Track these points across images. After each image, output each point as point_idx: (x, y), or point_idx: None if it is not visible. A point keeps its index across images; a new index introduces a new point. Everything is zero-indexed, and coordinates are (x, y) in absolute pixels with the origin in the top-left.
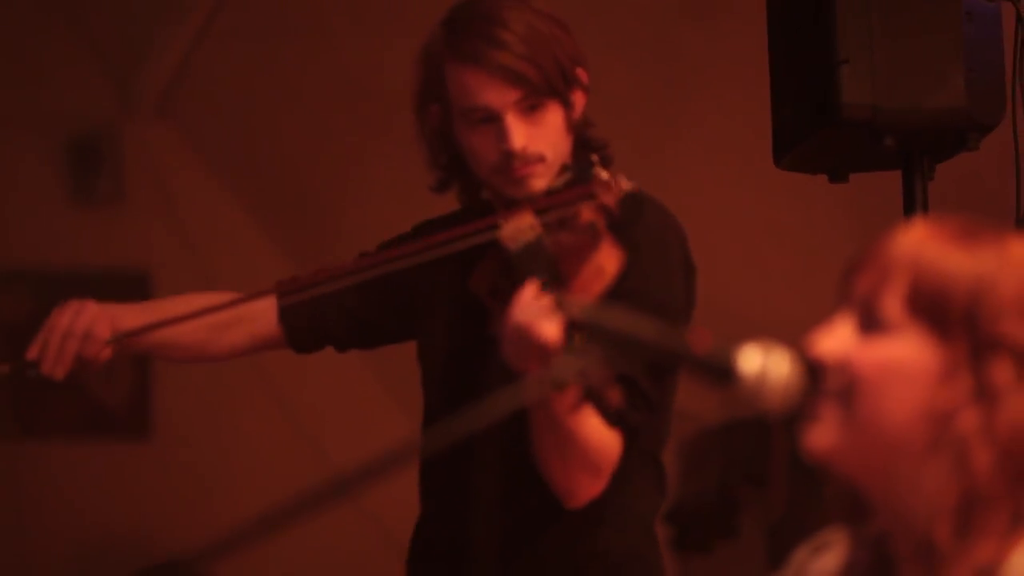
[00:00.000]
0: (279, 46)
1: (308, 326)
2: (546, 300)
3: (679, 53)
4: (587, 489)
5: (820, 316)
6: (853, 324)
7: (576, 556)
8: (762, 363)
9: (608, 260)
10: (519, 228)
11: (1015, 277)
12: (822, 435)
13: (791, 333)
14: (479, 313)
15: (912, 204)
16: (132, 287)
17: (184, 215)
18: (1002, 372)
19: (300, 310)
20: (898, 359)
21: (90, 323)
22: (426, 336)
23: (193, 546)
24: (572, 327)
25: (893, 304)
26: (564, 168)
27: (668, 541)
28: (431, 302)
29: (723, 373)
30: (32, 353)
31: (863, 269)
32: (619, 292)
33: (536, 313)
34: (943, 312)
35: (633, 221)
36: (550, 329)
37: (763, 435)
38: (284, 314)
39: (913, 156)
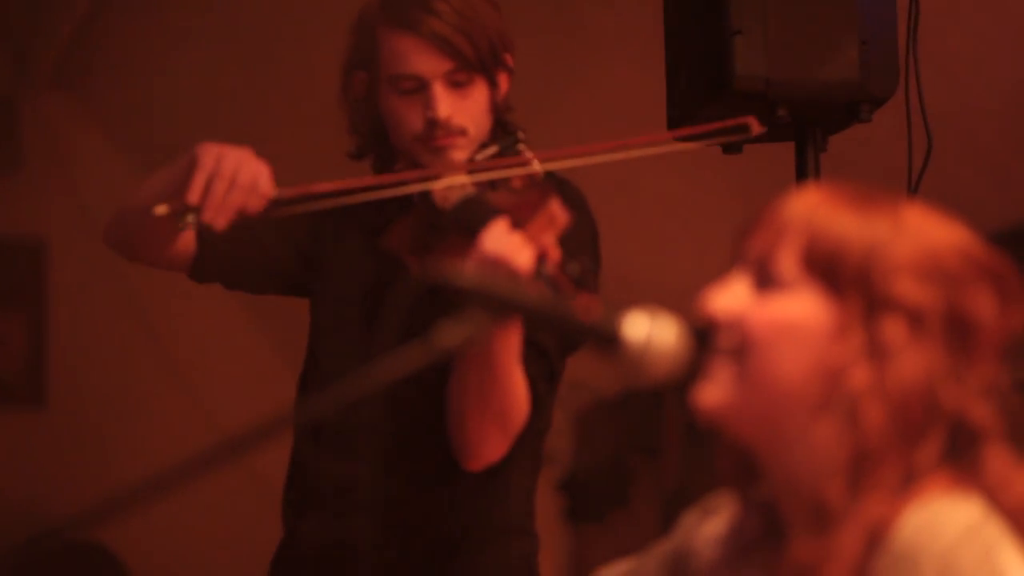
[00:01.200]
0: (175, 14)
1: (217, 254)
2: (517, 234)
3: (576, 23)
4: (494, 447)
5: (712, 283)
6: (746, 283)
7: (460, 524)
8: (648, 329)
9: (559, 210)
10: (453, 186)
11: (909, 240)
12: (713, 393)
13: (683, 301)
14: (390, 271)
15: (804, 175)
16: (28, 256)
17: (81, 183)
18: (894, 330)
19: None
20: (791, 316)
21: (256, 175)
22: (325, 291)
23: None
24: (458, 292)
25: (787, 263)
26: (484, 144)
27: (562, 511)
28: (337, 256)
29: (609, 339)
30: (193, 197)
31: (758, 229)
32: (568, 246)
33: (511, 244)
34: (837, 271)
35: (561, 190)
36: (525, 258)
37: (656, 406)
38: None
39: (806, 127)
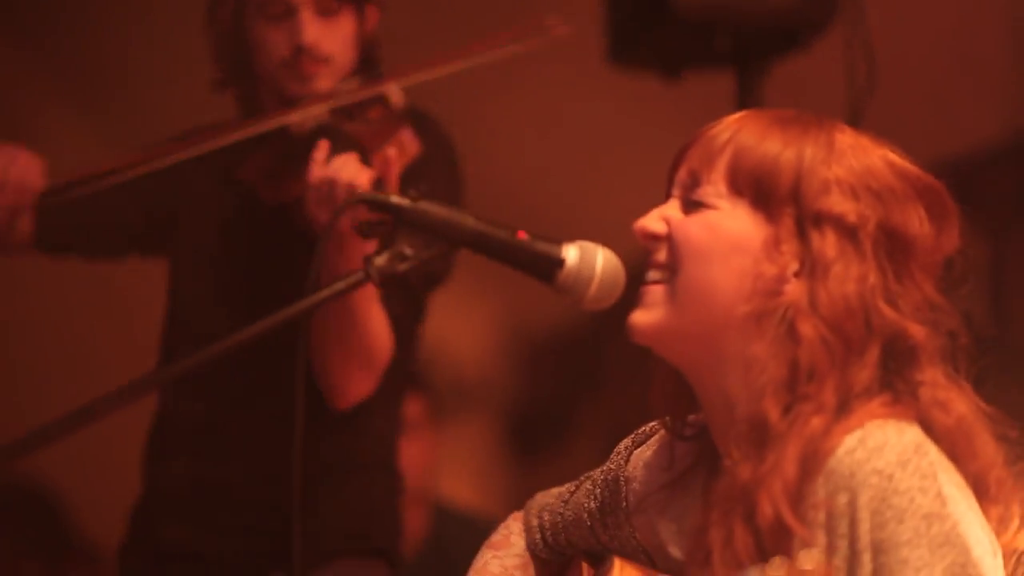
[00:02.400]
0: None
1: (60, 225)
2: (353, 156)
3: None
4: (360, 386)
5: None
6: (677, 205)
7: (322, 460)
8: (581, 256)
9: (409, 141)
10: (307, 116)
11: (840, 157)
12: (647, 316)
13: (621, 232)
14: (247, 203)
15: (746, 103)
16: None
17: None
18: (827, 245)
19: (59, 209)
20: (723, 232)
21: (23, 173)
22: (182, 239)
23: None
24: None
25: (716, 183)
26: (349, 76)
27: (506, 444)
28: (192, 200)
29: (546, 265)
30: None
31: (687, 154)
32: (415, 176)
33: (346, 168)
34: (767, 189)
35: (420, 124)
36: (358, 173)
37: (598, 341)
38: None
39: (747, 55)
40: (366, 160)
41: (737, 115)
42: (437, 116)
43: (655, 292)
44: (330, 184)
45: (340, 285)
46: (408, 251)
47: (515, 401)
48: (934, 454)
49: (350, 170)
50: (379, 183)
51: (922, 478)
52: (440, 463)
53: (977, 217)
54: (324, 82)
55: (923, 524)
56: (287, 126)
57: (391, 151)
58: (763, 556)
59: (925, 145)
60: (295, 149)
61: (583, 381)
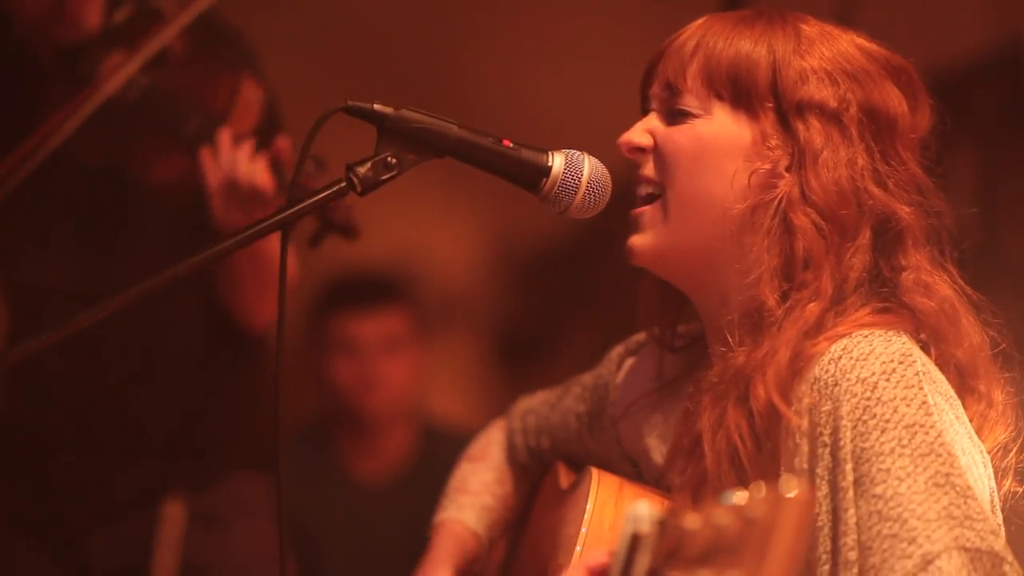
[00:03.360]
0: None
1: None
2: (246, 147)
3: None
4: (271, 309)
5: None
6: (658, 118)
7: (220, 379)
8: (567, 164)
9: (252, 94)
10: (122, 78)
11: (812, 46)
12: (646, 238)
13: (611, 146)
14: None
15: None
16: None
17: None
18: (813, 133)
19: None
20: (710, 139)
21: None
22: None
23: None
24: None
25: (694, 90)
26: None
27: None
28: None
29: (531, 173)
30: None
31: (657, 68)
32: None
33: (231, 160)
34: (745, 87)
35: (232, 45)
36: (259, 175)
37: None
38: None
39: None
40: (217, 127)
41: (699, 21)
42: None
43: (648, 214)
44: (232, 184)
45: (322, 194)
46: (392, 160)
47: (503, 316)
48: (921, 363)
49: (242, 166)
50: (276, 163)
51: (906, 388)
52: (428, 379)
53: (968, 126)
54: (92, 18)
55: (906, 434)
56: (114, 100)
57: (282, 143)
58: (754, 439)
59: (916, 54)
60: (133, 118)
61: (571, 295)
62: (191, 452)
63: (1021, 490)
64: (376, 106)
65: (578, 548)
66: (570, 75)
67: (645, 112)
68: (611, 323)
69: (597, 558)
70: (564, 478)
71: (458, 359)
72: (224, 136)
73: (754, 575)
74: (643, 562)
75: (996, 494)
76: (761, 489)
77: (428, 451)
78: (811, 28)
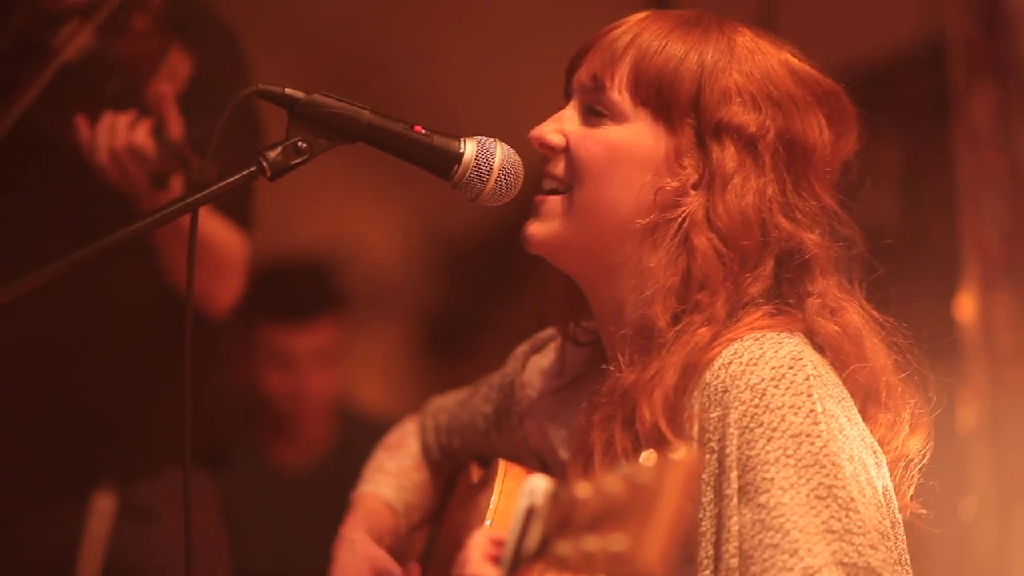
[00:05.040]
0: None
1: None
2: (125, 118)
3: None
4: (225, 289)
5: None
6: (577, 113)
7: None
8: (479, 151)
9: (179, 61)
10: (74, 42)
11: (741, 64)
12: (543, 228)
13: (520, 133)
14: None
15: (659, 3)
16: None
17: None
18: (726, 157)
19: None
20: (624, 149)
21: None
22: None
23: None
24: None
25: (616, 91)
26: None
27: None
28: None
29: (443, 159)
30: None
31: (587, 56)
32: (196, 96)
33: (107, 128)
34: (668, 99)
35: (192, 29)
36: (140, 138)
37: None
38: None
39: None
40: (138, 91)
41: (639, 16)
42: (213, 8)
43: (551, 204)
44: (115, 153)
45: (229, 180)
46: (303, 144)
47: (429, 305)
48: (812, 367)
49: (119, 135)
50: (159, 125)
51: (795, 395)
52: (352, 367)
53: (891, 121)
54: None
55: (792, 443)
56: (67, 61)
57: (163, 87)
58: None
59: (840, 47)
60: (75, 81)
61: (497, 286)
62: (126, 442)
63: (922, 511)
64: (287, 90)
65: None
66: (491, 61)
67: (567, 96)
68: (536, 314)
69: (497, 535)
70: (476, 475)
71: (383, 347)
72: (107, 115)
73: (638, 537)
74: (535, 532)
75: (892, 492)
76: (651, 456)
77: (348, 438)
78: (744, 41)
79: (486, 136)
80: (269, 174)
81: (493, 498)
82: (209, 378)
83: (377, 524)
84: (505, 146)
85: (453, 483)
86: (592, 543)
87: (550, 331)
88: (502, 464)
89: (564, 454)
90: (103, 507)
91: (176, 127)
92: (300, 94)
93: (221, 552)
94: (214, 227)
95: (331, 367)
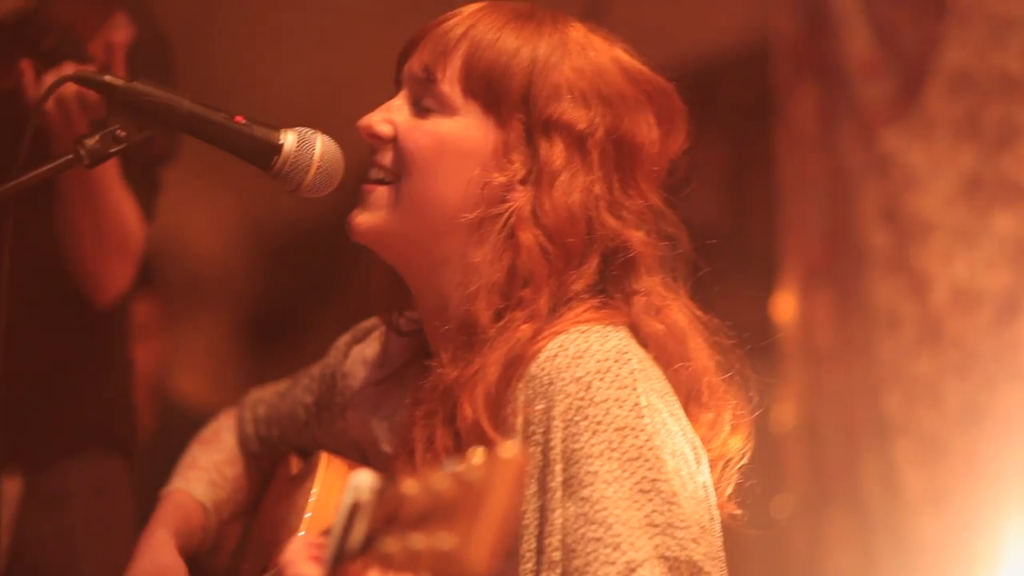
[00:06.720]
0: None
1: None
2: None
3: None
4: (118, 275)
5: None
6: (406, 104)
7: (64, 357)
8: (299, 142)
9: (123, 24)
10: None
11: (572, 60)
12: (368, 217)
13: (349, 123)
14: None
15: None
16: None
17: None
18: (555, 153)
19: None
20: (452, 141)
21: None
22: None
23: None
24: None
25: (450, 82)
26: None
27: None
28: None
29: (263, 150)
30: None
31: (419, 45)
32: (129, 63)
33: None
34: (499, 93)
35: (132, 6)
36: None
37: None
38: None
39: None
40: (82, 50)
41: (473, 7)
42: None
43: (378, 193)
44: (63, 98)
45: (47, 167)
46: (121, 133)
47: (251, 298)
48: (637, 361)
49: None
50: (103, 70)
51: (620, 388)
52: (173, 360)
53: (717, 121)
54: None
55: (616, 437)
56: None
57: (116, 35)
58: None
59: (667, 47)
60: (11, 36)
61: (320, 277)
62: (33, 428)
63: (739, 512)
64: (107, 77)
65: (301, 532)
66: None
67: (398, 85)
68: (360, 306)
69: (319, 532)
70: (295, 467)
71: (205, 339)
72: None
73: (465, 535)
74: (360, 529)
75: (712, 489)
76: (479, 454)
77: (166, 430)
78: (577, 37)
79: (308, 128)
80: (87, 162)
81: (314, 490)
82: (110, 364)
83: (185, 521)
84: (326, 138)
85: (271, 476)
86: (419, 541)
87: (373, 321)
88: (324, 456)
89: (386, 447)
90: (8, 493)
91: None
92: (120, 81)
93: (132, 539)
94: (127, 210)
95: (150, 343)
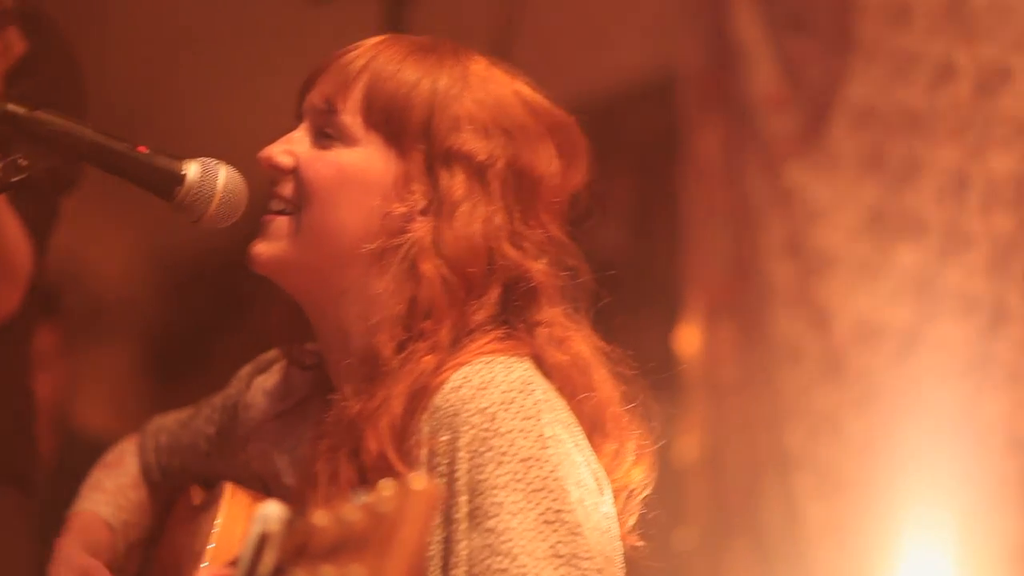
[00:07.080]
0: None
1: None
2: None
3: None
4: (6, 301)
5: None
6: (307, 135)
7: None
8: (202, 173)
9: (14, 38)
10: None
11: (473, 92)
12: (268, 248)
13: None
14: None
15: (392, 30)
16: None
17: None
18: (455, 184)
19: None
20: (353, 172)
21: None
22: None
23: None
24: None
25: (351, 113)
26: None
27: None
28: None
29: (165, 180)
30: None
31: (320, 78)
32: (20, 76)
33: None
34: (399, 124)
35: (30, 23)
36: None
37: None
38: None
39: None
40: None
41: (374, 40)
42: (57, 20)
43: (279, 224)
44: None
45: None
46: (23, 162)
47: (156, 326)
48: (541, 392)
49: None
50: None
51: (524, 419)
52: (76, 388)
53: (622, 153)
54: None
55: (521, 468)
56: None
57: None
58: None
59: (573, 80)
60: None
61: (224, 307)
62: None
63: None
64: (9, 106)
65: (205, 563)
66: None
67: (299, 117)
68: (263, 337)
69: (224, 563)
70: (197, 497)
71: (108, 368)
72: None
73: (376, 569)
74: (269, 560)
75: (615, 520)
76: (390, 486)
77: (70, 459)
78: (478, 70)
79: (211, 158)
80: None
81: (218, 521)
82: (9, 394)
83: (94, 541)
84: (230, 168)
85: (171, 506)
86: (329, 573)
87: (275, 352)
88: (228, 487)
89: (288, 480)
90: None
91: None
92: (21, 110)
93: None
94: (13, 236)
95: (49, 373)
